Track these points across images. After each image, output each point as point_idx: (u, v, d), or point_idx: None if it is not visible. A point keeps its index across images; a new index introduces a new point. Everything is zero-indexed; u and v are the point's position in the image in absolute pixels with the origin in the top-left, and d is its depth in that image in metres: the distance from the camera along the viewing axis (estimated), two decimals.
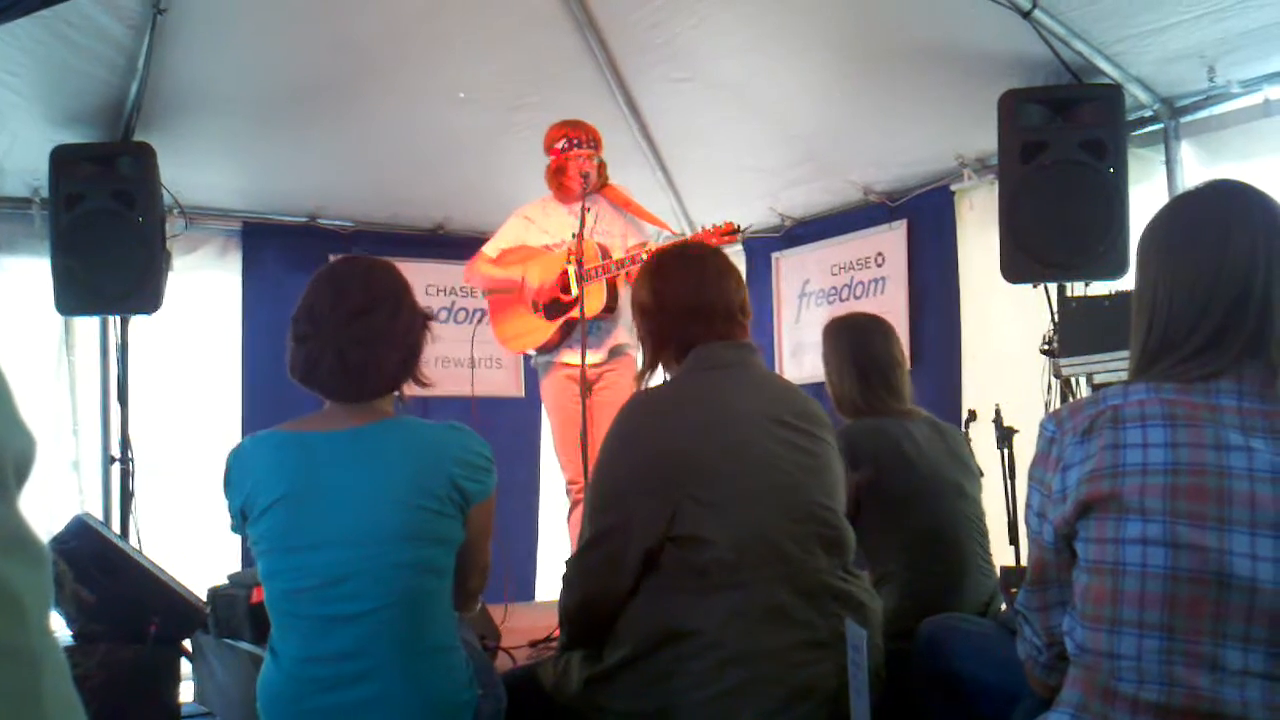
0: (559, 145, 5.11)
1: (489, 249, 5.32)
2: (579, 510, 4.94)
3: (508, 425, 6.43)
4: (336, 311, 2.52)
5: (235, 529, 2.59)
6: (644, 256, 4.76)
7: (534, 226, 5.24)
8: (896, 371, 3.64)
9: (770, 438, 2.68)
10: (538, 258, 5.13)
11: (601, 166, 5.16)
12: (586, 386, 4.71)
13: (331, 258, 6.12)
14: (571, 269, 4.87)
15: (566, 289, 4.96)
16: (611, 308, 5.05)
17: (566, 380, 5.05)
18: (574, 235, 4.75)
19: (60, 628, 3.74)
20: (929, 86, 5.09)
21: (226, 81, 5.23)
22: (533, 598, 6.32)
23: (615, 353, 5.16)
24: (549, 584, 6.54)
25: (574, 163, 5.04)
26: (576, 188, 4.95)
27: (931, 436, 3.56)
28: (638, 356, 5.20)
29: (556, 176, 5.16)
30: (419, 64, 5.48)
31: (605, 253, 4.98)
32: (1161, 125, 4.73)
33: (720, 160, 6.29)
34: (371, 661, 2.42)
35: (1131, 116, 4.66)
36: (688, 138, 6.25)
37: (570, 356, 4.96)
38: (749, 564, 2.55)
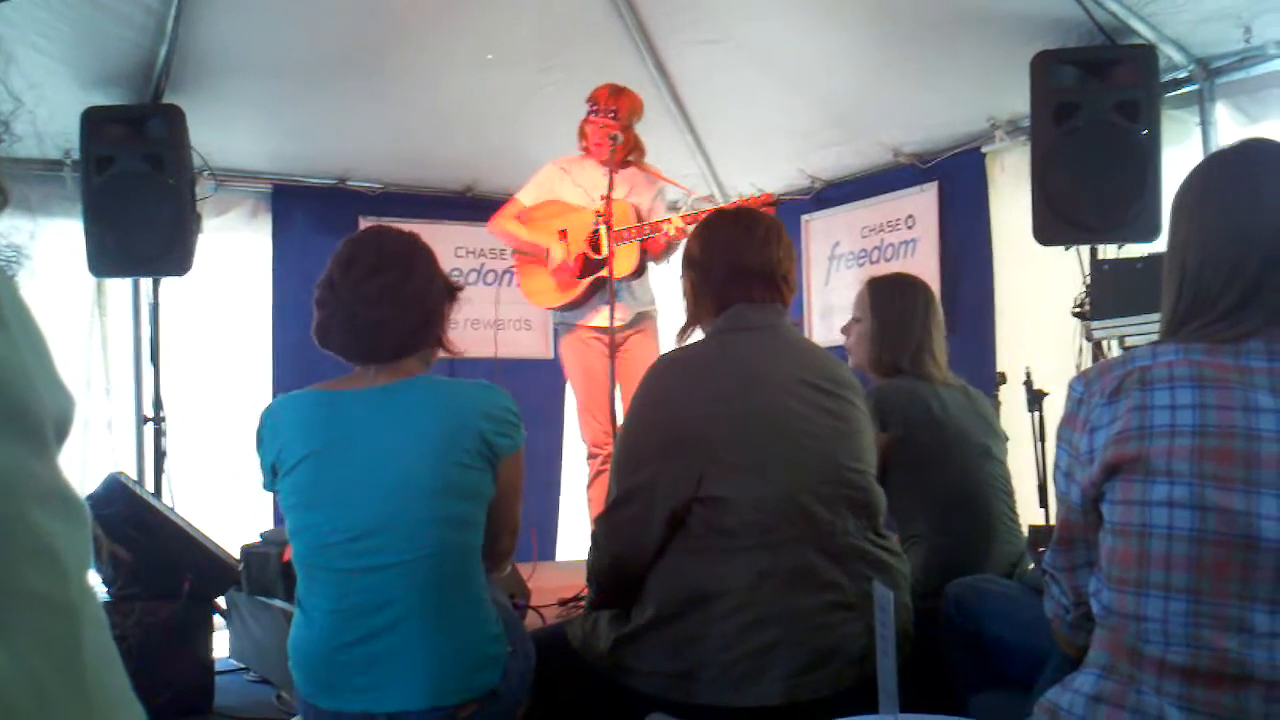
0: (586, 106, 5.11)
1: (523, 196, 5.31)
2: (600, 481, 4.97)
3: (535, 387, 6.44)
4: (347, 276, 2.57)
5: (267, 486, 2.63)
6: (668, 229, 4.80)
7: (568, 178, 5.23)
8: (934, 336, 3.62)
9: (798, 400, 2.68)
10: (567, 215, 5.13)
11: (631, 139, 5.13)
12: (610, 349, 4.73)
13: (361, 219, 6.17)
14: (603, 230, 4.85)
15: (596, 247, 4.95)
16: (640, 271, 5.05)
17: (589, 341, 5.07)
18: (602, 198, 4.75)
19: (98, 587, 3.79)
20: (960, 47, 5.03)
21: (255, 44, 5.23)
22: (554, 557, 6.36)
23: (640, 318, 5.16)
24: (570, 545, 6.59)
25: (592, 128, 5.07)
26: (598, 154, 4.98)
27: (959, 398, 3.56)
28: (658, 323, 5.24)
29: (579, 136, 5.18)
30: (447, 26, 5.46)
31: (639, 215, 4.98)
32: (1196, 86, 4.66)
33: (750, 122, 6.26)
34: (400, 613, 2.45)
35: (1165, 78, 4.59)
36: (717, 100, 6.21)
37: (596, 319, 4.98)
38: (776, 526, 2.56)
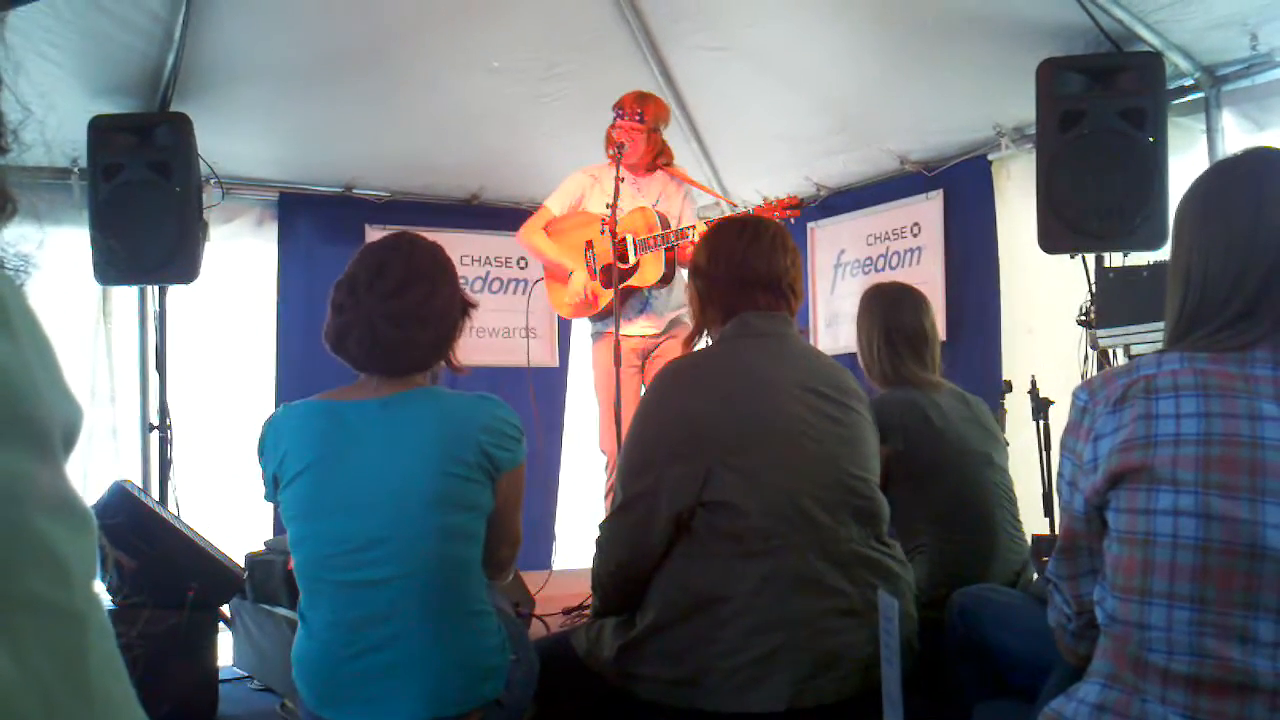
0: (612, 113, 5.14)
1: (551, 204, 5.34)
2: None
3: (541, 394, 6.45)
4: (374, 287, 2.53)
5: (269, 497, 2.62)
6: (693, 235, 4.82)
7: (597, 186, 5.26)
8: (926, 343, 3.62)
9: (803, 407, 2.69)
10: (594, 225, 5.13)
11: (657, 143, 5.18)
12: (643, 357, 4.80)
13: (367, 227, 6.17)
14: (630, 239, 4.93)
15: (624, 257, 4.97)
16: (668, 279, 5.07)
17: (624, 352, 5.05)
18: (608, 206, 4.76)
19: (103, 595, 3.79)
20: (966, 55, 5.03)
21: (262, 52, 5.24)
22: (550, 566, 6.35)
23: (674, 324, 5.18)
24: (568, 554, 6.59)
25: (618, 134, 5.08)
26: (622, 160, 5.01)
27: (957, 406, 3.56)
28: None
29: (606, 144, 5.19)
30: (452, 33, 5.46)
31: (665, 222, 5.01)
32: (1202, 94, 4.66)
33: (756, 129, 6.26)
34: (400, 626, 2.44)
35: (1172, 85, 4.58)
36: (723, 107, 6.21)
37: (627, 328, 4.97)
38: (780, 532, 2.56)
